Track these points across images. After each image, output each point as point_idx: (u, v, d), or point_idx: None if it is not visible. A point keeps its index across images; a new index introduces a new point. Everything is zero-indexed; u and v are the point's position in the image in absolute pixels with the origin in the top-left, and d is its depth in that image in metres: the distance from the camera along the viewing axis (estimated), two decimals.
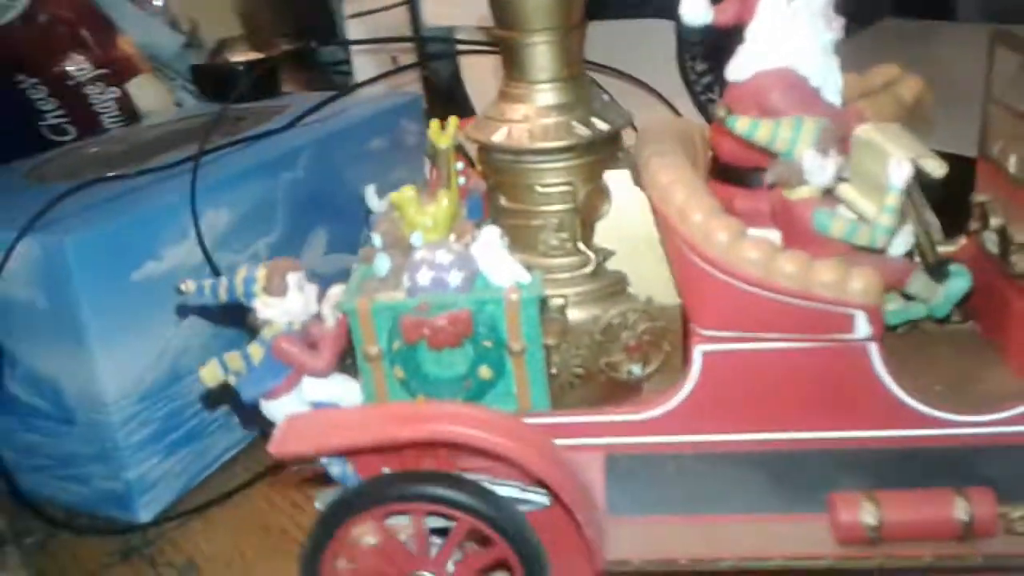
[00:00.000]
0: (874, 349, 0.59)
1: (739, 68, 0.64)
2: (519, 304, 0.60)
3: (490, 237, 0.61)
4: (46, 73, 1.29)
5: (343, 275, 0.65)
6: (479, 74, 1.42)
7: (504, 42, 0.63)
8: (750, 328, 0.59)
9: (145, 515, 0.93)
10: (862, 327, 0.57)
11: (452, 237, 0.64)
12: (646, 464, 0.63)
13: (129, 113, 1.31)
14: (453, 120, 0.65)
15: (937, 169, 0.58)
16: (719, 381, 0.61)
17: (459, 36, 1.43)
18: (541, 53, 0.63)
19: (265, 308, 0.61)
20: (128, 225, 0.88)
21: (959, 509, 0.57)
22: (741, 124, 0.59)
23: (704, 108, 1.36)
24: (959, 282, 0.63)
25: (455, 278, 0.61)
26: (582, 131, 0.63)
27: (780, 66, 0.63)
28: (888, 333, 0.69)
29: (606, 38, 1.33)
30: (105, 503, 0.93)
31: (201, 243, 0.94)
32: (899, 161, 0.57)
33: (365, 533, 0.60)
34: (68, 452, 0.93)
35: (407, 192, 0.63)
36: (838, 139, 0.58)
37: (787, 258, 0.57)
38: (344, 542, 0.60)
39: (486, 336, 0.61)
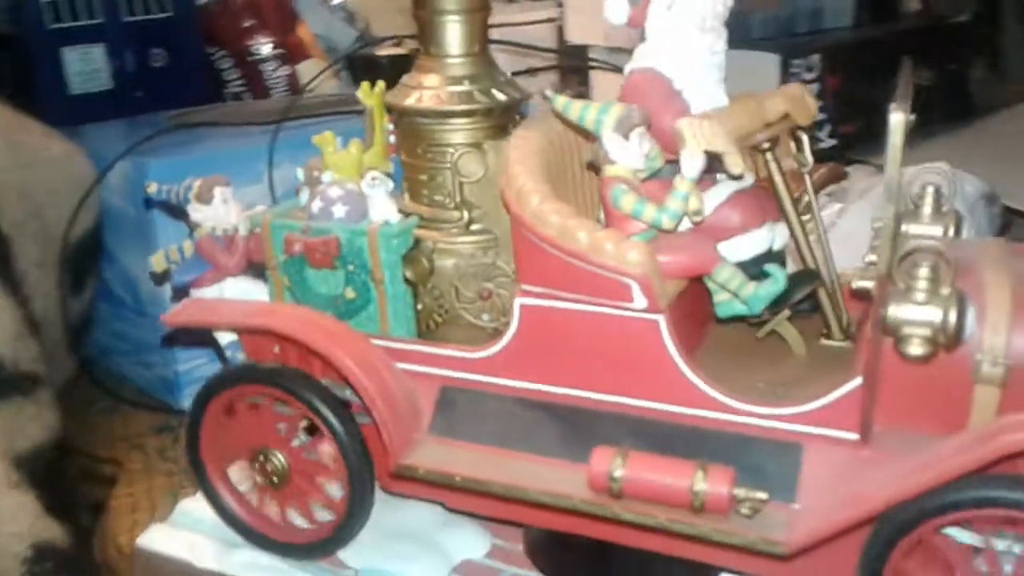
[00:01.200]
0: (663, 325, 0.63)
1: (626, 67, 0.71)
2: (377, 237, 0.70)
3: (368, 179, 0.72)
4: (233, 48, 1.54)
5: None
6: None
7: (417, 19, 0.73)
8: (552, 286, 0.65)
9: (188, 403, 1.11)
10: (638, 297, 0.62)
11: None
12: (470, 398, 0.70)
13: (296, 90, 1.53)
14: (380, 83, 0.77)
15: (734, 167, 0.62)
16: (532, 333, 0.67)
17: (593, 55, 1.53)
18: (449, 31, 0.73)
19: (195, 212, 0.76)
20: (206, 159, 1.07)
21: (696, 481, 0.60)
22: (557, 103, 0.66)
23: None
24: (772, 285, 0.65)
25: (339, 210, 0.73)
26: (464, 102, 0.72)
27: (646, 66, 0.69)
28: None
29: None
30: (160, 388, 1.13)
31: (271, 186, 1.11)
32: (692, 153, 0.61)
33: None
34: (140, 340, 1.13)
35: (326, 136, 0.76)
36: (642, 122, 0.63)
37: (580, 224, 0.63)
38: (215, 414, 0.74)
39: (351, 261, 0.72)
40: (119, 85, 1.42)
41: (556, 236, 0.63)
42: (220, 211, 0.76)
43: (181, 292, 0.78)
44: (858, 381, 0.60)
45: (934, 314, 0.57)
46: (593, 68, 1.52)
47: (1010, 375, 0.59)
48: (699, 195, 0.64)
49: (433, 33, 0.73)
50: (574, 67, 1.60)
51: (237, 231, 0.77)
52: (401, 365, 0.72)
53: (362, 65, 1.53)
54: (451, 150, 0.73)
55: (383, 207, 0.72)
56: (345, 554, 0.76)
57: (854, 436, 0.61)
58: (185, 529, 0.80)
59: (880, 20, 1.55)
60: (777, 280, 0.65)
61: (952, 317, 0.57)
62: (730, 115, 0.66)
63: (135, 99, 1.42)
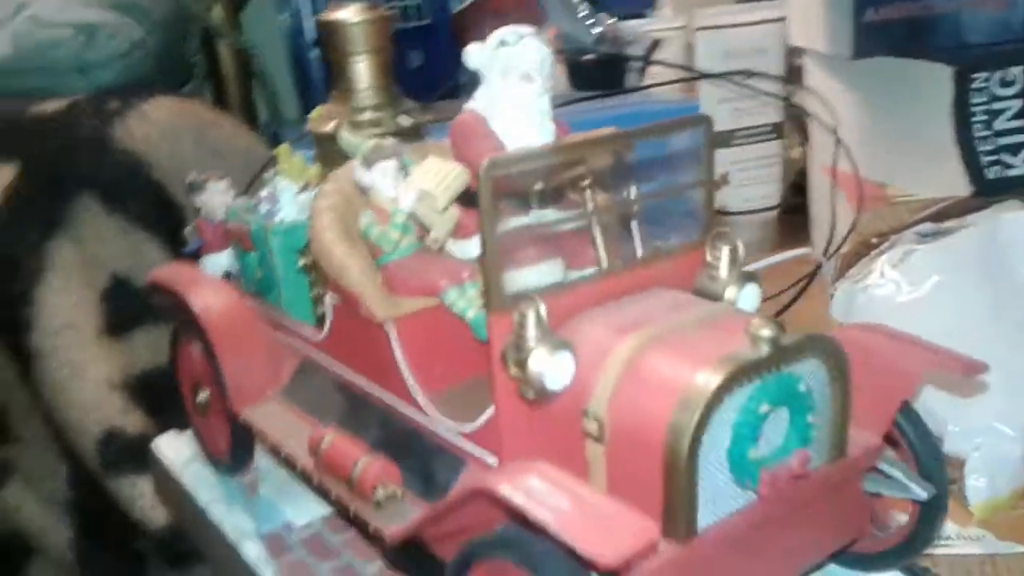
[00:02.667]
0: (392, 332, 0.73)
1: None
2: (270, 230, 0.88)
3: (280, 185, 0.90)
4: None
5: None
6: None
7: (329, 61, 0.89)
8: (333, 287, 0.78)
9: None
10: (363, 306, 0.73)
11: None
12: (311, 371, 0.85)
13: None
14: (326, 107, 0.93)
15: (437, 203, 0.69)
16: (338, 323, 0.80)
17: (807, 62, 1.49)
18: (356, 69, 0.87)
19: (195, 200, 0.99)
20: None
21: (356, 467, 0.70)
22: (339, 135, 0.77)
23: (980, 171, 1.23)
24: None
25: (263, 207, 0.91)
26: (363, 127, 0.85)
27: (470, 107, 0.77)
28: None
29: (877, 73, 1.29)
30: None
31: None
32: (408, 188, 0.70)
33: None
34: None
35: (283, 147, 0.94)
36: (393, 156, 0.72)
37: (334, 241, 0.75)
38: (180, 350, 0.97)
39: (257, 247, 0.90)
40: None
41: (321, 249, 0.76)
42: (212, 201, 0.98)
43: (193, 257, 1.02)
44: (491, 410, 0.65)
45: (524, 359, 0.60)
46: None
47: (609, 432, 0.60)
48: (437, 225, 0.72)
49: (342, 71, 0.88)
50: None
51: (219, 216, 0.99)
52: (280, 335, 0.89)
53: (574, 68, 1.63)
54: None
55: (288, 208, 0.89)
56: (262, 487, 0.95)
57: (495, 462, 0.66)
58: (185, 438, 1.05)
59: None
60: None
61: (533, 365, 0.60)
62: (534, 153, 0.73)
63: None
